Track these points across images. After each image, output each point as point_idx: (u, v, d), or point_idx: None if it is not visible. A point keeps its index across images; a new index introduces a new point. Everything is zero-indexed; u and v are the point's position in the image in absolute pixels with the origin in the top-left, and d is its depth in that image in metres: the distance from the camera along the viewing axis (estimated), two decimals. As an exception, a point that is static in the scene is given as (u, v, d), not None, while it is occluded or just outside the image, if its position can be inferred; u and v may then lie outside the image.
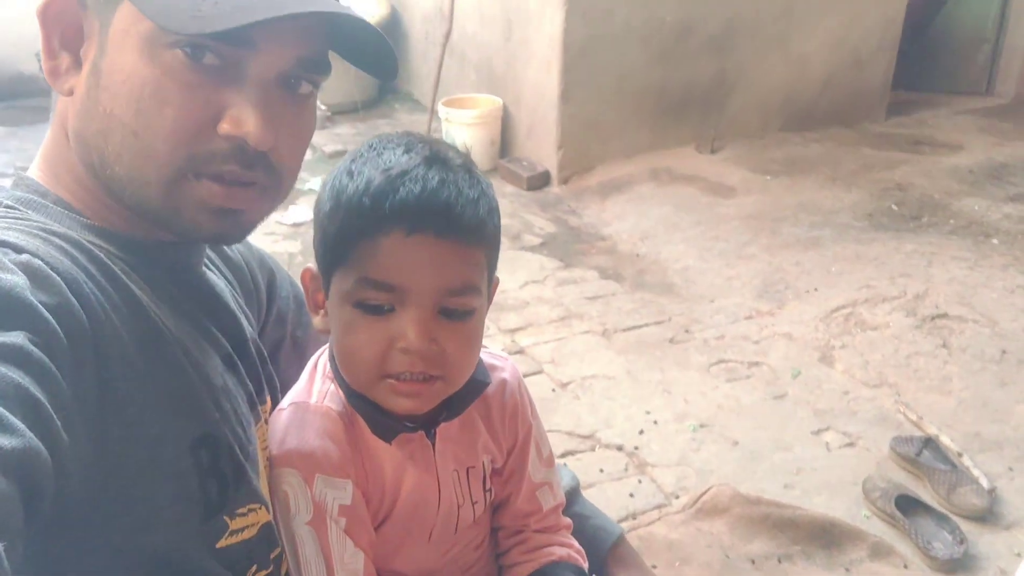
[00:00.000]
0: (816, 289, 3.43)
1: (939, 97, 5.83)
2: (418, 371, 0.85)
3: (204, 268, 0.92)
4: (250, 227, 0.83)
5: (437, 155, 0.85)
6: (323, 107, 5.26)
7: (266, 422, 0.95)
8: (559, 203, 4.40)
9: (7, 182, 0.83)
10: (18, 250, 0.67)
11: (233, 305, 0.94)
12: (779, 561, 2.09)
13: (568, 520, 1.11)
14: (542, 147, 4.61)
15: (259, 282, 1.08)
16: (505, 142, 4.85)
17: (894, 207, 4.20)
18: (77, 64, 0.78)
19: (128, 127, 0.74)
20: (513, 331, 3.18)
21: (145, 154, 0.75)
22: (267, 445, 0.94)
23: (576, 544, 1.09)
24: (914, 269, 3.54)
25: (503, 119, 4.81)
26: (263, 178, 0.80)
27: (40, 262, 0.67)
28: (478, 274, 0.87)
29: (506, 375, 1.05)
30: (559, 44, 4.27)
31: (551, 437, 1.13)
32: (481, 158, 4.59)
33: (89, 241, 0.76)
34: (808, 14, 4.88)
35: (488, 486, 1.04)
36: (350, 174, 0.84)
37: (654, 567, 2.03)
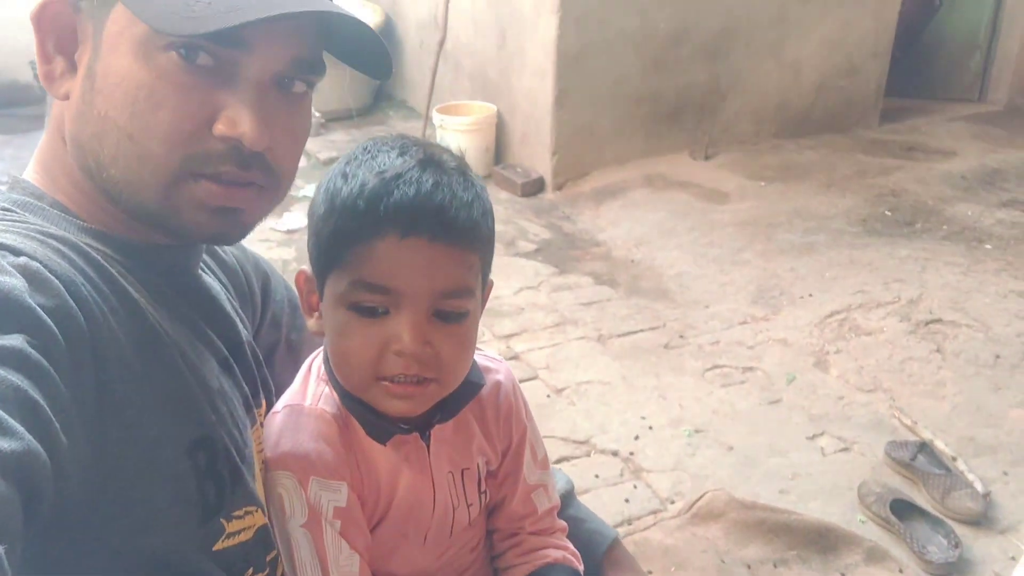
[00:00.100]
0: (810, 295, 3.44)
1: (932, 104, 5.86)
2: (412, 373, 0.85)
3: (200, 271, 0.92)
4: (249, 226, 0.83)
5: (431, 158, 0.85)
6: (317, 114, 5.26)
7: (261, 425, 0.95)
8: (553, 209, 4.41)
9: (3, 186, 0.83)
10: (16, 253, 0.67)
11: (229, 308, 0.94)
12: (775, 566, 2.08)
13: (563, 523, 1.11)
14: (536, 154, 4.62)
15: (254, 286, 1.08)
16: (499, 149, 4.86)
17: (888, 213, 4.21)
18: (72, 68, 0.78)
19: (123, 130, 0.74)
20: (508, 337, 3.18)
21: (141, 157, 0.75)
22: (263, 448, 0.94)
23: (571, 547, 1.09)
24: (908, 274, 3.55)
25: (497, 126, 4.82)
26: (260, 178, 0.79)
27: (38, 265, 0.67)
28: (472, 276, 0.87)
29: (500, 377, 1.05)
30: (553, 51, 4.29)
31: (546, 443, 1.13)
32: (475, 165, 4.57)
33: (86, 244, 0.76)
34: (801, 21, 4.90)
35: (483, 488, 1.04)
36: (344, 177, 0.84)
37: (650, 573, 2.03)
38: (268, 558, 0.88)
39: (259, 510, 0.86)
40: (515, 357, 3.04)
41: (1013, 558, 2.12)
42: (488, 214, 0.88)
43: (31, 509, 0.55)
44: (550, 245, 4.02)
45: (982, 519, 2.27)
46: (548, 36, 4.30)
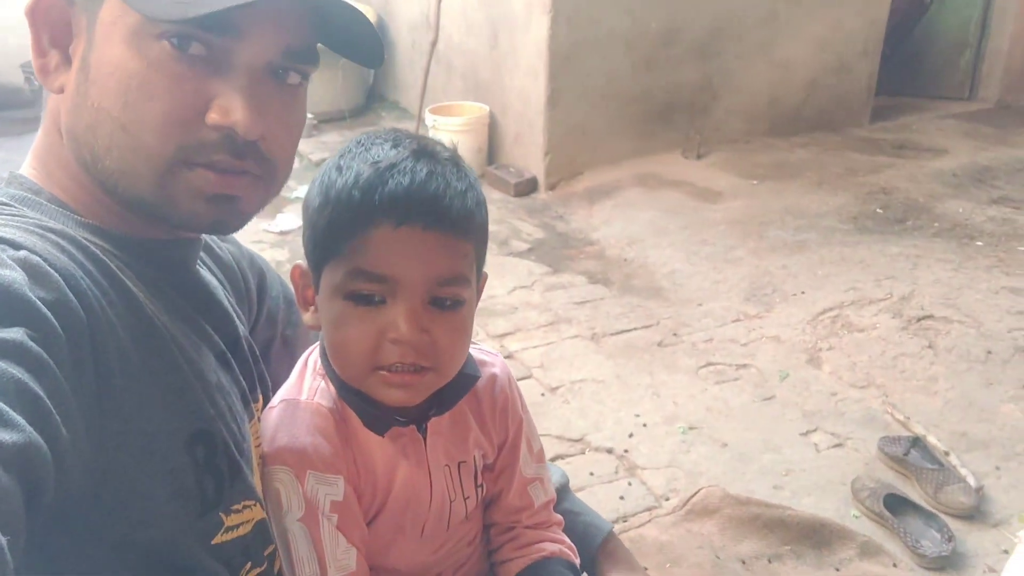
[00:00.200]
0: (803, 292, 3.45)
1: (922, 102, 5.88)
2: (409, 362, 0.86)
3: (197, 267, 0.92)
4: (247, 215, 0.83)
5: (425, 149, 0.86)
6: (310, 115, 5.26)
7: (259, 420, 0.95)
8: (546, 209, 4.41)
9: (0, 182, 0.83)
10: (15, 246, 0.68)
11: (226, 304, 0.94)
12: (769, 561, 2.09)
13: (559, 516, 1.12)
14: (529, 154, 4.62)
15: (249, 282, 1.08)
16: (492, 149, 4.87)
17: (879, 210, 4.23)
18: (67, 61, 0.78)
19: (117, 120, 0.74)
20: (502, 336, 3.18)
21: (135, 147, 0.75)
22: (260, 443, 0.94)
23: (567, 540, 1.09)
24: (900, 271, 3.56)
25: (490, 126, 4.83)
26: (254, 167, 0.79)
27: (38, 258, 0.67)
28: (467, 265, 0.88)
29: (496, 370, 1.05)
30: (545, 51, 4.29)
31: (541, 441, 1.13)
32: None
33: (84, 238, 0.76)
34: (792, 20, 4.92)
35: (480, 481, 1.04)
36: (339, 169, 0.85)
37: (645, 569, 2.03)
38: (266, 552, 0.88)
39: (258, 504, 0.86)
40: (509, 356, 3.05)
41: (1006, 551, 2.14)
42: (481, 204, 0.89)
43: (32, 501, 0.55)
44: (543, 244, 4.03)
45: (975, 513, 2.28)
46: (540, 36, 4.30)
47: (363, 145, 0.87)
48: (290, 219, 4.18)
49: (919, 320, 3.20)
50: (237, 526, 0.83)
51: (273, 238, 4.02)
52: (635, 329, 3.25)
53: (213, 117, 0.75)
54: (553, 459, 2.49)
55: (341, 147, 0.90)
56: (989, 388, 2.81)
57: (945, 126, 5.47)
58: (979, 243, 3.85)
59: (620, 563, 1.15)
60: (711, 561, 2.09)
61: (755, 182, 4.54)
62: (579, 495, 1.99)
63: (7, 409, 0.55)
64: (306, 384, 0.96)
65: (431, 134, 4.71)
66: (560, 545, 1.07)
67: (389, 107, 6.09)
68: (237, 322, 0.95)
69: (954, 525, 2.23)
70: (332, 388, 0.95)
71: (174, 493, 0.75)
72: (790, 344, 3.11)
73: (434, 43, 4.98)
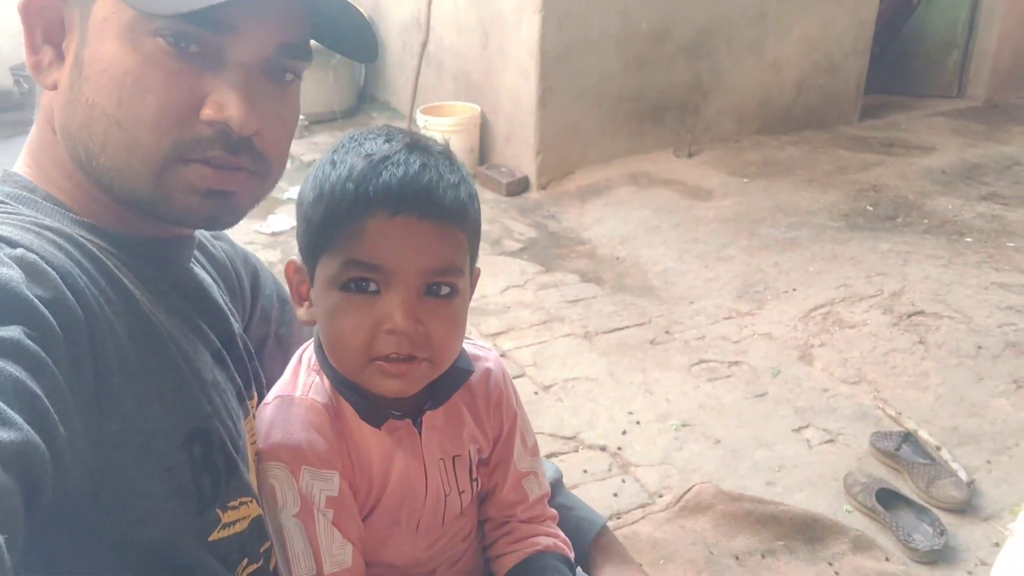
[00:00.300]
0: (794, 289, 3.47)
1: (911, 100, 5.91)
2: (404, 352, 0.86)
3: (191, 265, 0.92)
4: (242, 211, 0.83)
5: (417, 143, 0.87)
6: (301, 117, 5.24)
7: (254, 417, 0.96)
8: (538, 208, 4.42)
9: None
10: (12, 244, 0.67)
11: (221, 301, 0.94)
12: (762, 556, 2.10)
13: (553, 511, 1.12)
14: (521, 153, 4.63)
15: (243, 280, 1.08)
16: (484, 149, 4.87)
17: (869, 208, 4.25)
18: (60, 57, 0.78)
19: (111, 117, 0.74)
20: (494, 335, 3.18)
21: (130, 144, 0.75)
22: (255, 440, 0.94)
23: (562, 534, 1.09)
24: (890, 268, 3.58)
25: (481, 126, 4.83)
26: (249, 163, 0.80)
27: (35, 256, 0.67)
28: (460, 256, 0.88)
29: (490, 365, 1.06)
30: (536, 51, 4.30)
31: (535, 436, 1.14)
32: (460, 165, 4.60)
33: (81, 235, 0.76)
34: (781, 20, 4.94)
35: (474, 476, 1.05)
36: (333, 164, 0.86)
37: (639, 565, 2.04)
38: (262, 549, 0.88)
39: (254, 501, 0.87)
40: (502, 355, 3.05)
41: (997, 544, 2.15)
42: (474, 197, 0.90)
43: (31, 500, 0.55)
44: (536, 244, 4.03)
45: (966, 507, 2.29)
46: (531, 36, 4.31)
47: (356, 140, 0.88)
48: (282, 220, 4.17)
49: (910, 316, 3.21)
50: (234, 523, 0.83)
51: (265, 239, 4.02)
52: (628, 327, 3.26)
53: (208, 113, 0.75)
54: (547, 457, 2.49)
55: (334, 144, 0.91)
56: (980, 383, 2.83)
57: (934, 124, 5.49)
58: (968, 239, 3.87)
59: (614, 556, 1.15)
60: (705, 557, 2.09)
61: (746, 180, 4.55)
62: (573, 492, 1.99)
63: (5, 408, 0.55)
64: (300, 380, 0.96)
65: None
66: (554, 539, 1.07)
67: (380, 108, 6.09)
68: (232, 320, 0.95)
69: (946, 519, 2.24)
70: (327, 383, 0.95)
71: (171, 491, 0.75)
72: (782, 341, 3.12)
73: (425, 44, 4.98)
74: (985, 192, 4.42)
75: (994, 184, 4.52)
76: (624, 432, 2.63)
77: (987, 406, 2.72)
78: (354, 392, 0.93)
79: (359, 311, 0.86)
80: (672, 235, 3.99)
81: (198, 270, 0.94)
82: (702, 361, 3.03)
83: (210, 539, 0.80)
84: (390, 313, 0.84)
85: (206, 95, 0.76)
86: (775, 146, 5.03)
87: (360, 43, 0.86)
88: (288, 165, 0.89)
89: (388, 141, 0.86)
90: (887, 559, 2.11)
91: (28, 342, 0.60)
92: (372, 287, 0.85)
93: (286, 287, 1.01)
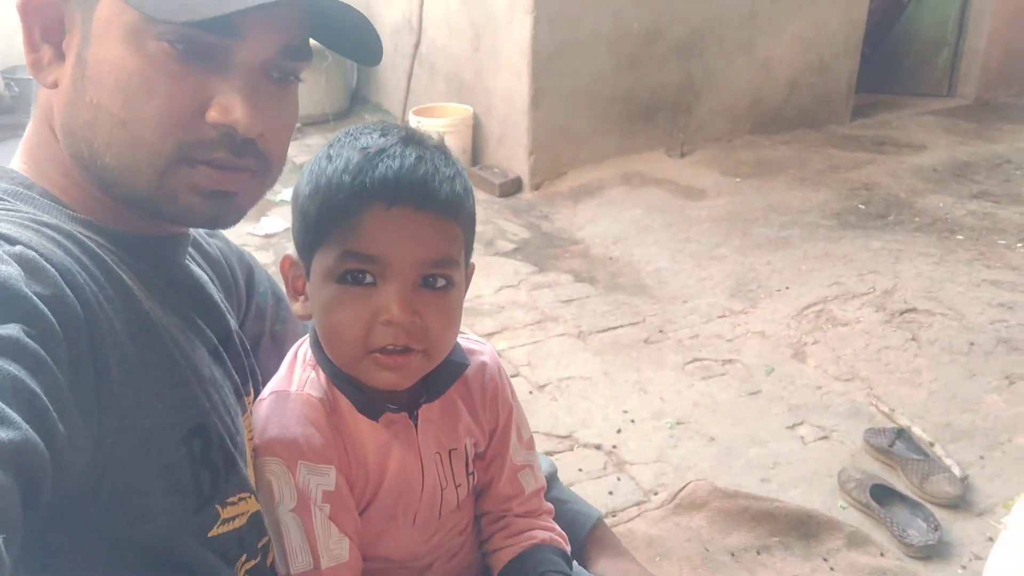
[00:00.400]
0: (787, 287, 3.48)
1: (902, 99, 5.93)
2: (401, 344, 0.87)
3: (186, 262, 0.93)
4: (243, 210, 0.84)
5: (413, 136, 0.88)
6: (293, 119, 5.24)
7: (251, 412, 0.96)
8: (531, 209, 4.42)
9: None
10: (11, 241, 0.67)
11: (217, 298, 0.94)
12: (758, 553, 2.11)
13: (549, 505, 1.12)
14: (513, 154, 4.63)
15: (238, 277, 1.08)
16: (476, 150, 4.88)
17: (861, 206, 4.26)
18: (60, 56, 0.78)
19: (116, 117, 0.74)
20: (489, 335, 3.18)
21: (135, 144, 0.75)
22: (252, 436, 0.94)
23: (558, 528, 1.10)
24: (882, 266, 3.59)
25: (474, 127, 4.83)
26: (252, 164, 0.80)
27: (34, 253, 0.67)
28: (456, 248, 0.89)
29: (485, 359, 1.06)
30: (528, 52, 4.30)
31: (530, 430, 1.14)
32: (453, 166, 4.61)
33: (79, 232, 0.76)
34: (772, 20, 4.95)
35: (471, 470, 1.05)
36: (329, 158, 0.86)
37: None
38: (260, 544, 0.88)
39: (252, 496, 0.87)
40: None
41: (991, 539, 2.16)
42: (469, 191, 0.90)
43: (30, 499, 0.55)
44: (529, 244, 4.04)
45: (960, 502, 2.30)
46: (522, 37, 4.32)
47: (352, 135, 0.89)
48: (275, 222, 4.17)
49: (902, 313, 3.23)
50: (233, 518, 0.83)
51: (258, 241, 4.01)
52: (621, 326, 3.27)
53: (214, 116, 0.76)
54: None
55: (329, 140, 0.91)
56: (972, 379, 2.84)
57: (924, 123, 5.52)
58: (960, 237, 3.89)
59: (609, 549, 1.16)
60: (700, 554, 2.10)
61: (738, 180, 4.57)
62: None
63: (3, 407, 0.55)
64: (296, 375, 0.97)
65: (415, 136, 4.71)
66: (551, 533, 1.08)
67: (372, 110, 6.09)
68: (228, 317, 0.95)
69: (940, 514, 2.25)
70: (323, 378, 0.95)
71: (171, 488, 0.75)
72: (775, 339, 3.13)
73: (417, 46, 4.99)
74: (976, 190, 4.44)
75: (985, 182, 4.55)
76: (619, 431, 2.63)
77: (979, 402, 2.74)
78: (350, 385, 0.93)
79: (356, 303, 0.86)
80: (665, 235, 4.00)
81: (194, 267, 0.94)
82: (696, 360, 3.03)
83: (209, 535, 0.80)
84: (387, 305, 0.85)
85: (211, 97, 0.76)
86: (767, 145, 5.05)
87: (364, 45, 0.86)
88: (282, 166, 0.89)
89: (384, 135, 0.87)
90: (882, 554, 2.12)
91: (27, 340, 0.60)
92: (368, 279, 0.86)
93: (281, 284, 1.01)
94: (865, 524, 2.24)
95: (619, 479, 2.43)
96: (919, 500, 2.30)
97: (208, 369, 0.85)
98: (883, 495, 2.30)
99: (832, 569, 2.06)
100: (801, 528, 2.17)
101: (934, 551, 2.14)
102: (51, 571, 0.68)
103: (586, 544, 1.16)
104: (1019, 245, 3.79)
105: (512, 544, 1.06)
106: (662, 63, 4.71)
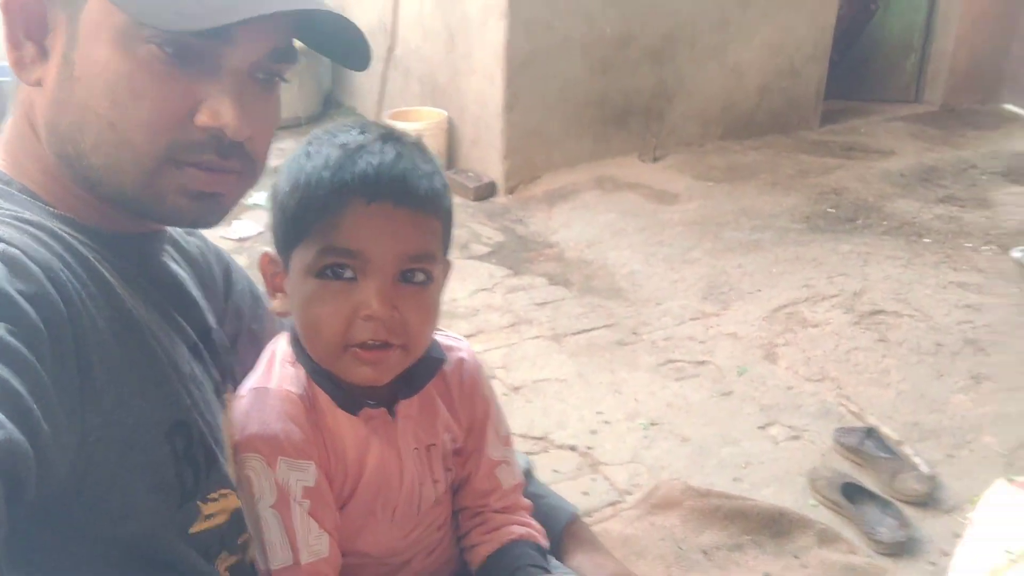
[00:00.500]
0: (758, 290, 3.52)
1: (870, 105, 6.00)
2: (381, 339, 0.87)
3: (165, 259, 0.93)
4: (227, 210, 0.85)
5: (391, 133, 0.89)
6: (266, 122, 5.21)
7: (230, 409, 0.96)
8: (506, 213, 4.44)
9: None
10: None
11: (196, 295, 0.95)
12: (730, 551, 2.13)
13: (528, 501, 1.13)
14: (487, 158, 4.64)
15: (216, 275, 1.08)
16: (450, 154, 4.88)
17: (830, 210, 4.32)
18: (43, 54, 0.78)
19: (104, 118, 0.74)
20: (464, 338, 3.18)
21: (123, 145, 0.75)
22: (232, 432, 0.95)
23: (536, 523, 1.11)
24: (851, 268, 3.64)
25: (448, 131, 4.83)
26: (238, 165, 0.81)
27: (16, 251, 0.66)
28: (435, 243, 0.90)
29: (463, 355, 1.07)
30: (502, 56, 4.32)
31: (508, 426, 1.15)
32: (427, 170, 4.60)
33: (61, 229, 0.76)
34: (743, 26, 5.00)
35: (448, 465, 1.06)
36: (307, 155, 0.87)
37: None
38: (239, 541, 0.89)
39: (233, 493, 0.87)
40: (471, 357, 3.05)
41: (958, 535, 2.19)
42: (448, 188, 0.92)
43: (14, 498, 0.55)
44: (503, 248, 4.05)
45: (928, 500, 2.34)
46: (497, 41, 4.33)
47: (330, 133, 0.90)
48: (247, 226, 4.14)
49: (871, 315, 3.27)
50: (214, 515, 0.83)
51: (231, 245, 3.98)
52: (596, 329, 3.28)
53: (203, 120, 0.76)
54: (517, 457, 2.51)
55: (308, 136, 0.92)
56: (940, 379, 2.89)
57: (892, 128, 5.60)
58: (927, 240, 3.96)
59: (585, 543, 1.17)
60: (674, 552, 2.12)
61: (710, 184, 4.61)
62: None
63: None
64: (275, 372, 0.97)
65: (389, 139, 4.70)
66: (528, 528, 1.09)
67: (346, 113, 6.07)
68: (207, 314, 0.96)
69: (909, 512, 2.29)
70: (302, 374, 0.96)
71: (154, 485, 0.76)
72: (747, 340, 3.16)
73: (391, 49, 4.98)
74: (942, 195, 4.51)
75: (951, 187, 4.62)
76: (593, 432, 2.65)
77: (947, 402, 2.78)
78: (329, 381, 0.94)
79: (336, 298, 0.87)
80: (638, 238, 4.03)
81: (173, 265, 0.94)
82: (669, 361, 3.06)
83: (191, 532, 0.80)
84: (367, 299, 0.86)
85: (200, 100, 0.76)
86: (738, 150, 5.10)
87: (354, 49, 0.86)
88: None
89: (362, 132, 0.88)
90: (852, 551, 2.15)
91: (10, 338, 0.60)
92: (348, 274, 0.86)
93: (258, 283, 1.01)
94: (836, 522, 2.27)
95: (594, 480, 2.44)
96: (888, 498, 2.34)
97: (188, 366, 0.86)
98: (853, 493, 2.33)
99: (804, 566, 2.09)
100: (773, 526, 2.19)
101: (903, 548, 2.17)
102: (35, 569, 0.68)
103: (562, 538, 1.17)
104: (984, 248, 3.86)
105: (490, 539, 1.07)
106: (634, 68, 4.74)
